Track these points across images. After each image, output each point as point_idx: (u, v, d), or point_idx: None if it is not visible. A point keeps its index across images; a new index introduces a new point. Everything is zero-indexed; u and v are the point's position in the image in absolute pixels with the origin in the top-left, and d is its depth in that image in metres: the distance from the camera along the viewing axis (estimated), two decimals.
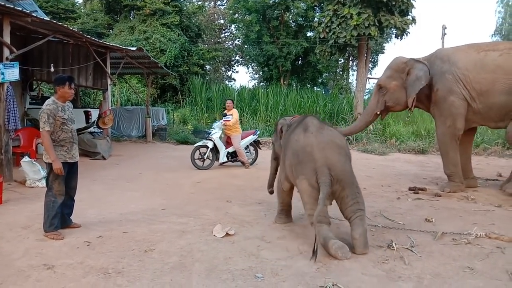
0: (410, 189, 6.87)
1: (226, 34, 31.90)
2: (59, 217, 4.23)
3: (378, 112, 7.02)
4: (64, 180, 4.25)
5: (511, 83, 5.98)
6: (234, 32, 29.39)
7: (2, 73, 6.47)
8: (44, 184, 6.43)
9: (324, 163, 3.83)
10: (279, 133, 4.61)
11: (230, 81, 30.13)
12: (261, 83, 26.21)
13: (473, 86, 6.19)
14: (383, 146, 13.02)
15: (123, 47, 11.76)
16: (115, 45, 11.53)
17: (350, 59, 25.88)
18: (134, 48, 11.61)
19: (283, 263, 3.58)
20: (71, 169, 4.36)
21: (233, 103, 9.53)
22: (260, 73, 27.02)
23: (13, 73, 6.68)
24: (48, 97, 14.38)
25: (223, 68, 31.43)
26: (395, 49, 44.87)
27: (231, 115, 8.93)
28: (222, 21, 30.89)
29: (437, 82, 6.50)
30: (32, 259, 3.56)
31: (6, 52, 6.68)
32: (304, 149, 3.95)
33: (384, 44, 26.09)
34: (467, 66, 6.23)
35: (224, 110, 9.73)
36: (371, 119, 7.22)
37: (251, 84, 26.36)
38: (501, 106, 6.11)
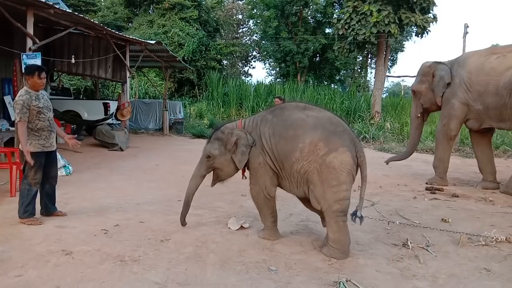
0: (427, 189, 6.81)
1: (244, 29, 31.87)
2: (34, 204, 4.26)
3: (419, 115, 7.58)
4: (42, 169, 4.25)
5: (499, 84, 6.30)
6: (252, 27, 29.34)
7: (25, 64, 6.59)
8: (63, 173, 6.61)
9: (354, 137, 3.69)
10: (233, 146, 3.84)
11: (247, 77, 30.15)
12: (278, 79, 26.15)
13: (474, 88, 6.59)
14: (401, 146, 12.86)
15: (142, 40, 11.87)
16: (134, 38, 11.65)
17: (369, 56, 25.57)
18: (153, 42, 11.71)
19: (297, 257, 3.59)
20: (49, 158, 4.36)
21: (281, 100, 9.19)
22: (277, 69, 26.93)
23: (35, 63, 6.80)
24: (68, 89, 14.63)
25: (240, 64, 31.44)
26: (415, 48, 44.18)
27: None
28: (240, 16, 30.86)
29: (448, 85, 6.95)
30: (51, 245, 3.64)
31: (29, 43, 6.81)
32: (330, 120, 3.65)
33: (404, 42, 25.75)
34: (471, 69, 6.64)
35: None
36: (417, 122, 7.73)
37: (267, 80, 26.31)
38: (494, 107, 6.45)
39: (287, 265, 3.39)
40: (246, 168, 3.99)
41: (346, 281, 3.06)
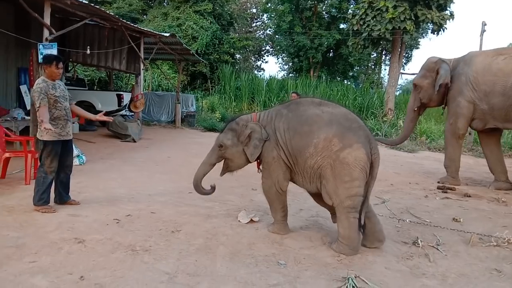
0: (438, 188, 6.76)
1: (257, 23, 31.78)
2: (49, 192, 4.34)
3: (416, 109, 7.57)
4: (58, 158, 4.32)
5: (507, 85, 6.31)
6: (266, 21, 29.23)
7: (42, 53, 6.67)
8: (77, 162, 6.70)
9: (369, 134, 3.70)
10: (246, 138, 3.86)
11: (259, 71, 30.10)
12: (291, 74, 26.05)
13: (480, 88, 6.60)
14: (413, 144, 12.74)
15: (157, 32, 11.92)
16: (149, 30, 11.70)
17: (383, 53, 25.32)
18: (167, 34, 11.75)
19: (306, 252, 3.60)
20: (65, 147, 4.42)
21: (298, 95, 9.28)
22: (290, 64, 26.82)
23: (53, 54, 6.88)
24: (82, 79, 14.79)
25: (252, 58, 31.40)
26: (431, 45, 43.45)
27: None
28: (254, 10, 30.78)
29: (453, 82, 6.99)
30: (64, 233, 3.71)
31: (46, 33, 6.89)
32: (345, 116, 3.65)
33: (419, 39, 25.43)
34: (478, 69, 6.66)
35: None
36: (412, 115, 7.75)
37: (280, 75, 26.24)
38: (500, 107, 6.46)
39: (296, 260, 3.41)
40: (259, 161, 4.01)
41: (355, 277, 3.07)
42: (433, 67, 7.17)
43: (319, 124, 3.59)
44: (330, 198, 3.58)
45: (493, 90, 6.44)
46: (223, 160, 4.12)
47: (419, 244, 3.89)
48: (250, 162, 4.01)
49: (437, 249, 3.84)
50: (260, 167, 4.06)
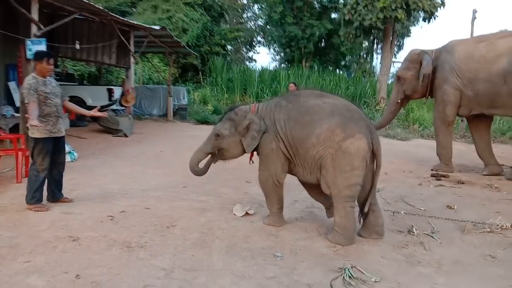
0: (432, 175, 6.80)
1: (248, 14, 31.52)
2: (42, 190, 4.29)
3: (399, 101, 7.65)
4: (50, 155, 4.27)
5: (491, 71, 6.35)
6: (257, 12, 29.00)
7: (30, 49, 6.56)
8: (69, 159, 6.63)
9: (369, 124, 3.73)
10: (244, 129, 3.84)
11: (251, 62, 29.89)
12: (283, 65, 25.91)
13: (465, 75, 6.67)
14: (406, 132, 12.81)
15: (147, 25, 11.78)
16: (139, 23, 11.55)
17: (375, 42, 25.24)
18: (157, 27, 11.60)
19: (302, 243, 3.61)
20: (57, 144, 4.37)
21: (295, 86, 9.42)
22: (282, 54, 26.66)
23: (43, 50, 6.77)
24: (72, 74, 14.61)
25: (244, 49, 31.14)
26: (422, 33, 43.43)
27: None
28: (245, 1, 30.46)
29: (438, 72, 7.05)
30: (58, 231, 3.67)
31: (34, 29, 6.76)
32: (347, 107, 3.68)
33: (411, 28, 25.32)
34: (460, 57, 6.75)
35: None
36: (394, 107, 7.85)
37: (272, 66, 26.08)
38: (485, 93, 6.54)
39: (292, 251, 3.41)
40: (254, 153, 3.99)
41: (351, 267, 3.08)
42: (416, 58, 7.24)
43: (321, 114, 3.59)
44: (328, 188, 3.59)
45: (477, 77, 6.51)
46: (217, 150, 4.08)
47: (414, 232, 3.91)
48: (246, 153, 3.99)
49: (432, 237, 3.88)
50: (252, 158, 4.06)
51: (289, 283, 2.86)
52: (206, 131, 4.30)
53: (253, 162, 4.08)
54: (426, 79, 7.06)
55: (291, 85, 9.16)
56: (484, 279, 3.06)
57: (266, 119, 3.83)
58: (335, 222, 3.65)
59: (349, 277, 2.94)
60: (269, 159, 3.81)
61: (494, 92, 6.37)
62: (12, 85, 9.96)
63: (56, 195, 4.50)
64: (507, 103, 6.34)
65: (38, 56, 4.30)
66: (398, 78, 7.64)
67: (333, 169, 3.52)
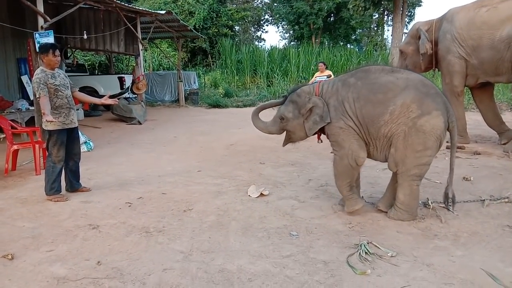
0: (447, 147, 6.69)
1: None
2: (59, 181, 4.37)
3: None
4: (65, 146, 4.35)
5: (494, 38, 6.11)
6: None
7: (38, 42, 6.61)
8: (85, 149, 6.74)
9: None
10: (307, 112, 3.74)
11: (260, 42, 29.60)
12: (292, 42, 25.62)
13: (467, 43, 6.44)
14: None
15: (153, 11, 11.72)
16: (144, 9, 11.50)
17: (385, 13, 24.70)
18: (163, 12, 11.53)
19: (317, 221, 3.63)
20: (71, 135, 4.44)
21: (324, 65, 9.66)
22: (291, 32, 26.32)
23: (48, 42, 6.81)
24: (83, 65, 14.68)
25: (252, 29, 30.82)
26: (433, 1, 42.06)
27: (327, 76, 9.12)
28: None
29: (440, 43, 6.85)
30: (78, 220, 3.77)
31: (41, 21, 6.80)
32: (422, 82, 3.45)
33: None
34: (461, 24, 6.48)
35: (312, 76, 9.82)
36: None
37: (281, 44, 25.82)
38: (490, 61, 6.25)
39: (308, 230, 3.44)
40: (321, 132, 3.88)
41: (368, 243, 3.09)
42: (416, 33, 7.10)
43: (395, 91, 3.39)
44: (396, 166, 3.49)
45: (480, 44, 6.26)
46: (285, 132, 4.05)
47: (429, 205, 3.89)
48: (309, 136, 3.91)
49: (448, 209, 3.84)
50: (321, 138, 3.98)
51: (305, 261, 2.89)
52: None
53: (321, 141, 4.02)
54: (426, 56, 6.91)
55: (321, 64, 9.25)
56: (502, 250, 3.04)
57: (333, 99, 3.65)
58: (398, 198, 3.56)
59: (365, 253, 2.95)
60: (340, 137, 3.63)
61: (498, 59, 6.15)
62: (25, 78, 10.12)
63: (74, 185, 4.60)
64: (511, 69, 6.12)
65: (43, 49, 4.33)
66: (401, 52, 7.54)
67: (403, 148, 3.37)
